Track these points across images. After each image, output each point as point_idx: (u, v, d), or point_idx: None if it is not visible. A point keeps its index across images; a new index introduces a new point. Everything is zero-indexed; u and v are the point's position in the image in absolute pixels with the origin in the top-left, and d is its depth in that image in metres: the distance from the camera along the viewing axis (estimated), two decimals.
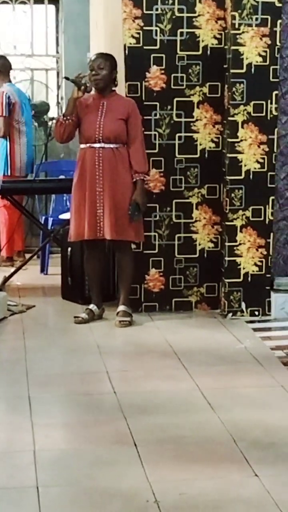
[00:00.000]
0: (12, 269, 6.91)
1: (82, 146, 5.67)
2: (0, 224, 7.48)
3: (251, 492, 3.36)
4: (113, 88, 5.68)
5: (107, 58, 5.62)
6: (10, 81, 7.55)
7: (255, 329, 5.64)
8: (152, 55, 5.82)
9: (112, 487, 3.41)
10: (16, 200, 6.85)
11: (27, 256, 7.11)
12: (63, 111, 8.09)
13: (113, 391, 4.46)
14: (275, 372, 4.76)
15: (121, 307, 5.74)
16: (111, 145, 5.58)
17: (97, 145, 5.59)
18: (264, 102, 5.76)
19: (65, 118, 5.63)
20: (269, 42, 5.72)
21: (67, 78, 5.70)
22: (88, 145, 5.62)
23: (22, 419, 4.08)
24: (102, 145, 5.58)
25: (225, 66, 5.80)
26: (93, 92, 5.67)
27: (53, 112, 8.41)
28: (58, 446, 3.83)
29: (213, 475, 3.50)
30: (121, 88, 5.81)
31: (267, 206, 5.86)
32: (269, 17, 5.70)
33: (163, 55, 5.83)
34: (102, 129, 5.57)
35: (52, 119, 8.12)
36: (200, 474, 3.51)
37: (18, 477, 3.50)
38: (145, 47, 5.81)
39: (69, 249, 6.27)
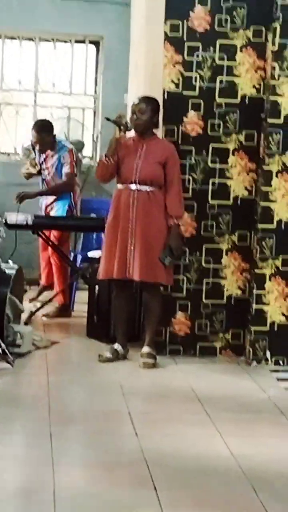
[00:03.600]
0: (39, 304, 6.94)
1: (119, 186, 5.73)
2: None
3: None
4: (154, 131, 5.73)
5: (149, 103, 5.68)
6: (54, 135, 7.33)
7: (279, 379, 5.62)
8: (191, 101, 5.88)
9: None
10: (46, 235, 6.90)
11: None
12: (98, 150, 8.23)
13: (134, 433, 4.45)
14: None
15: (146, 349, 5.75)
16: (147, 188, 5.63)
17: (133, 186, 5.64)
18: None
19: (107, 159, 5.69)
20: None
21: (108, 119, 5.76)
22: (124, 185, 5.68)
23: (43, 457, 4.07)
24: (138, 187, 5.63)
25: (262, 115, 5.85)
26: (133, 133, 5.73)
27: (87, 151, 8.49)
28: (78, 486, 3.81)
29: None
30: (158, 131, 5.86)
31: None
32: None
33: (201, 101, 5.89)
34: (139, 171, 5.62)
35: (86, 157, 8.19)
36: None
37: None
38: (184, 93, 5.88)
39: (97, 287, 6.29)
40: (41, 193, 7.17)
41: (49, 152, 7.15)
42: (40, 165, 7.20)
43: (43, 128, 7.12)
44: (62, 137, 7.38)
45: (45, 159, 7.17)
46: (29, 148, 8.39)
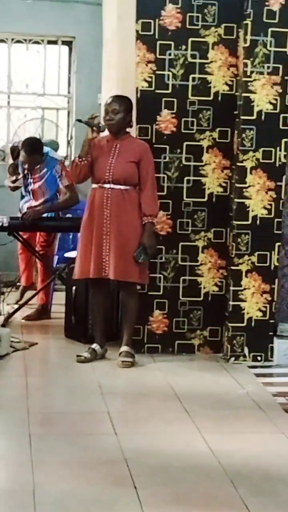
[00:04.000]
0: (16, 306, 6.92)
1: (93, 186, 5.72)
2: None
3: None
4: (128, 130, 5.73)
5: (122, 102, 5.68)
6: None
7: (257, 375, 5.64)
8: (164, 99, 5.89)
9: None
10: (22, 237, 6.88)
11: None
12: (73, 150, 8.22)
13: (114, 432, 4.45)
14: (276, 418, 4.76)
15: (124, 348, 5.75)
16: (121, 187, 5.63)
17: (106, 185, 5.64)
18: (273, 149, 5.82)
19: (80, 160, 5.68)
20: (280, 91, 5.79)
21: (79, 121, 5.76)
22: (98, 185, 5.67)
23: (22, 457, 4.06)
24: (112, 186, 5.63)
25: (235, 112, 5.87)
26: (107, 132, 5.73)
27: (62, 151, 8.47)
28: (58, 486, 3.80)
29: None
30: (132, 130, 5.86)
31: (272, 252, 5.89)
32: (280, 66, 5.77)
33: (175, 100, 5.90)
34: (113, 170, 5.62)
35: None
36: None
37: None
38: (157, 91, 5.88)
39: (74, 287, 6.29)
40: (48, 210, 6.93)
41: None
42: (25, 175, 7.09)
43: (34, 150, 6.90)
44: (48, 148, 7.23)
45: (30, 170, 7.03)
46: (4, 149, 8.37)
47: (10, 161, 7.30)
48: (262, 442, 4.42)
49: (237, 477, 3.89)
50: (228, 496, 3.71)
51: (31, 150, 6.90)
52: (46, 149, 7.06)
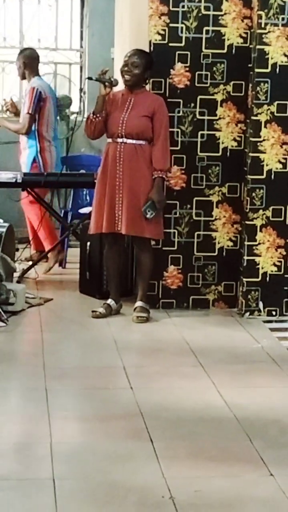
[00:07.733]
0: (31, 262, 6.93)
1: (108, 140, 5.69)
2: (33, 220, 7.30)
3: (266, 491, 3.37)
4: (143, 85, 5.69)
5: (143, 57, 5.62)
6: (38, 75, 7.17)
7: (272, 329, 5.64)
8: (177, 52, 5.82)
9: (127, 482, 3.43)
10: (37, 193, 6.85)
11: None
12: (86, 105, 8.18)
13: (129, 387, 4.48)
14: None
15: (139, 303, 5.76)
16: (134, 141, 5.59)
17: (119, 140, 5.60)
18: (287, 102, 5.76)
19: (94, 116, 5.64)
20: None
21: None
22: (112, 140, 5.64)
23: (39, 412, 4.11)
24: (124, 140, 5.59)
25: (249, 65, 5.80)
26: (122, 86, 5.68)
27: (75, 106, 8.43)
28: (74, 439, 3.85)
29: (229, 474, 3.51)
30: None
31: (287, 206, 5.86)
32: None
33: (188, 53, 5.83)
34: (125, 124, 5.58)
35: (74, 113, 8.13)
36: (216, 472, 3.53)
37: (34, 469, 3.53)
38: (170, 44, 5.81)
39: (88, 243, 6.28)
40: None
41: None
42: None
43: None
44: (44, 78, 7.30)
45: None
46: (17, 105, 8.32)
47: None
48: (277, 396, 4.44)
49: (253, 430, 3.92)
50: (244, 449, 3.74)
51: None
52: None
